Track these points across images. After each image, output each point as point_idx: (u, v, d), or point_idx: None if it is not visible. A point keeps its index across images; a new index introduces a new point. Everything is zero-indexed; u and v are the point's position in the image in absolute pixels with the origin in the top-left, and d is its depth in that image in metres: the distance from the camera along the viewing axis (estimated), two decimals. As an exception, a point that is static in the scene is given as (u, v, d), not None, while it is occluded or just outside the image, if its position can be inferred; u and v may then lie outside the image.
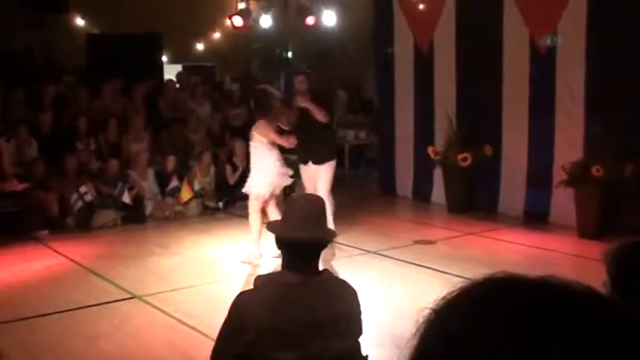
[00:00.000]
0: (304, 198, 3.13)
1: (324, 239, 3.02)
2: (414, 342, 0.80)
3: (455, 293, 0.81)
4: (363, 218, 10.08)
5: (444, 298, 0.81)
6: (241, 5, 14.97)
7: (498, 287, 0.79)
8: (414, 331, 0.80)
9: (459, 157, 10.11)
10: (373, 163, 13.59)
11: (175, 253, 8.45)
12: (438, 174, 10.89)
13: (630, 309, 0.76)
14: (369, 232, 9.19)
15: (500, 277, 0.80)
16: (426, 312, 0.81)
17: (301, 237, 2.88)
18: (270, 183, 7.83)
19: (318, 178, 8.47)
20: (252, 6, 15.15)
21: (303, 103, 8.38)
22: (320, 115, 8.33)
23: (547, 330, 0.72)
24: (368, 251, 8.30)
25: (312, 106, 8.34)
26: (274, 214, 7.61)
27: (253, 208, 7.91)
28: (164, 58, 16.13)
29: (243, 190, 8.06)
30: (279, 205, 7.79)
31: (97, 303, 6.52)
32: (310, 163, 8.56)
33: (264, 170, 7.81)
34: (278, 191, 8.11)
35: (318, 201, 3.09)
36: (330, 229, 3.08)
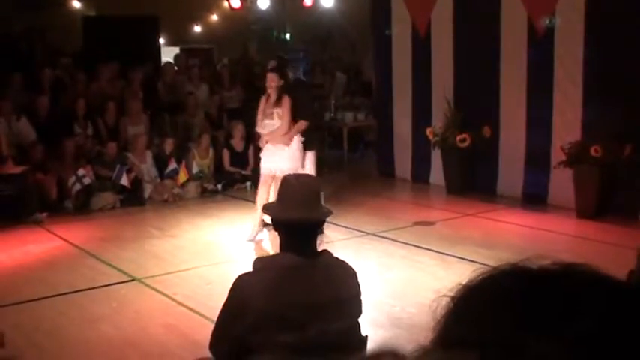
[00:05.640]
0: (298, 178, 3.12)
1: (319, 219, 3.00)
2: (437, 328, 0.78)
3: (476, 281, 0.79)
4: (362, 200, 10.08)
5: (464, 285, 0.79)
6: (238, -13, 14.89)
7: (521, 275, 0.78)
8: (434, 322, 0.79)
9: (458, 138, 10.09)
10: (372, 146, 13.57)
11: (174, 235, 8.46)
12: (436, 155, 10.87)
13: None
14: (368, 214, 9.20)
15: (521, 266, 0.79)
16: (445, 300, 0.79)
17: (295, 217, 2.88)
18: None
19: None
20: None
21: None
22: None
23: (571, 316, 0.71)
24: (367, 233, 8.31)
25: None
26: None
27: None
28: (161, 41, 16.04)
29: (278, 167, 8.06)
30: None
31: (95, 286, 6.53)
32: None
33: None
34: None
35: (312, 180, 3.08)
36: (325, 207, 3.06)
